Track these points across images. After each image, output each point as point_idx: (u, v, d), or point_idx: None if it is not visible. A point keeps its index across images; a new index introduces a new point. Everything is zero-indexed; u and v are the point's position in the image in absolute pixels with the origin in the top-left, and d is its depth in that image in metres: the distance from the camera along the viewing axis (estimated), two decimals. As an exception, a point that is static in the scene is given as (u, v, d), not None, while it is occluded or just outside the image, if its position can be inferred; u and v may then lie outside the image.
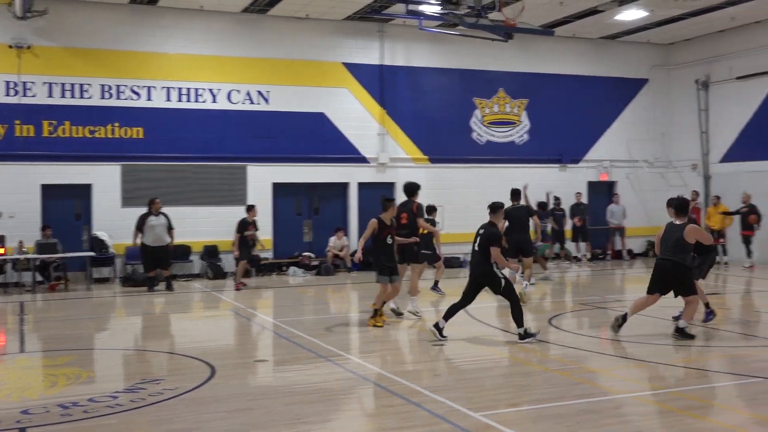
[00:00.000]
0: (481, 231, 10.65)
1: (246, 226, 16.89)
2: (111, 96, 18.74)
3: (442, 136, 21.80)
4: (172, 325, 13.05)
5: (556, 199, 21.78)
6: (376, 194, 20.91)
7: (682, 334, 10.37)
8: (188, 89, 19.38)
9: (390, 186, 21.09)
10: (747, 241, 19.89)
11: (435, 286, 15.30)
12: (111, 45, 18.78)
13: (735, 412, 7.12)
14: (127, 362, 9.95)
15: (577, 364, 9.13)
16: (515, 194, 15.23)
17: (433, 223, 14.54)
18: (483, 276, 10.49)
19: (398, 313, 12.51)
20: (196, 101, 19.47)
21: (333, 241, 20.09)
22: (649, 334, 10.95)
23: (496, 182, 21.91)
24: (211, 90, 19.58)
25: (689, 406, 7.23)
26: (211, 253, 19.21)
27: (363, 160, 20.98)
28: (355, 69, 20.92)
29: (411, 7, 16.27)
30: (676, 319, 10.85)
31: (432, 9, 16.06)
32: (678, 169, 24.18)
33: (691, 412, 7.05)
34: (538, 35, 20.00)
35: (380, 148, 21.08)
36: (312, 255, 20.18)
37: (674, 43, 24.11)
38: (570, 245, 22.49)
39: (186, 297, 16.09)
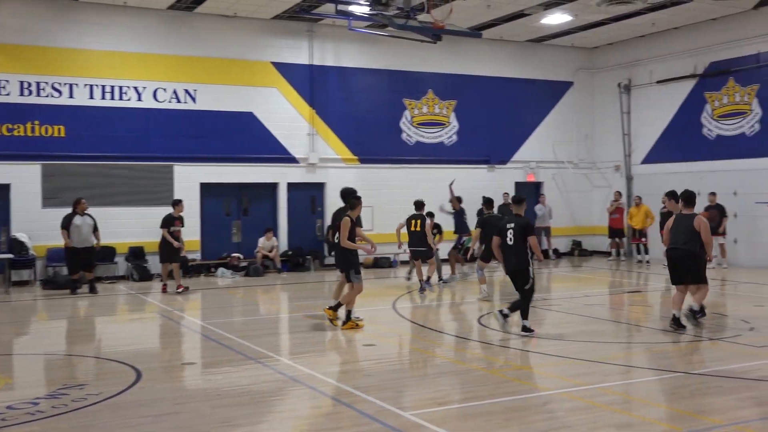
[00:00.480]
0: (512, 224, 10.89)
1: (172, 222, 16.11)
2: (31, 93, 18.14)
3: (372, 137, 21.85)
4: (97, 329, 12.72)
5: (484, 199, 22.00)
6: (306, 195, 20.93)
7: (694, 315, 10.89)
8: (112, 87, 18.91)
9: (320, 186, 21.04)
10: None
11: (427, 282, 15.66)
12: (30, 40, 18.18)
13: (656, 406, 7.33)
14: (48, 367, 9.64)
15: (506, 362, 9.26)
16: (489, 202, 15.06)
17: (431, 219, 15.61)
18: (519, 271, 10.81)
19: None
20: (121, 99, 19.02)
21: (262, 241, 19.92)
22: (576, 332, 11.19)
23: (425, 183, 22.10)
24: (136, 88, 19.16)
25: (613, 401, 7.42)
26: (136, 254, 18.80)
27: (293, 160, 20.85)
28: (284, 69, 20.78)
29: (340, 7, 16.23)
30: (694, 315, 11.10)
31: (361, 9, 16.06)
32: (602, 170, 24.80)
33: (614, 407, 7.23)
34: (467, 37, 20.21)
35: (310, 148, 20.99)
36: (241, 256, 19.96)
37: (598, 47, 24.71)
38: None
39: (111, 300, 15.71)
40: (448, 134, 22.92)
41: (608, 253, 22.88)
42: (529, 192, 24.22)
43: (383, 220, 20.57)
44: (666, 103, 22.75)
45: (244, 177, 20.29)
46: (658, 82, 22.93)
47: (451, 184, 16.49)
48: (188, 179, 19.53)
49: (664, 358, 9.42)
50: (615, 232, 22.55)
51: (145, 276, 18.42)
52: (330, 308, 11.64)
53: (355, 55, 21.69)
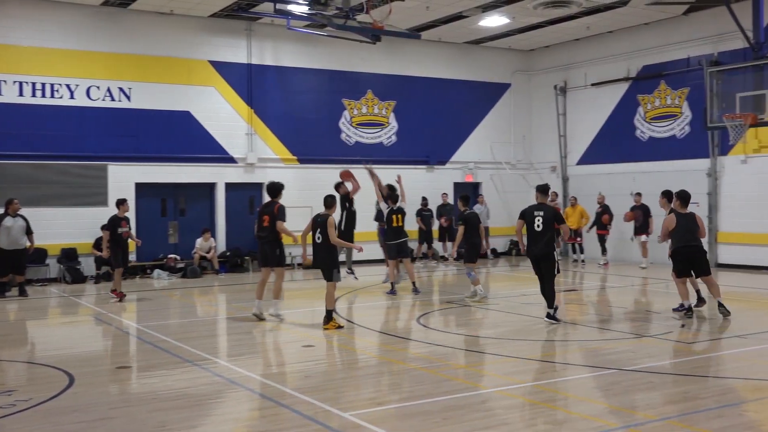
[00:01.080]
0: (541, 212, 11.57)
1: (119, 223, 15.08)
2: (-43, 90, 17.57)
3: (311, 137, 21.76)
4: (28, 333, 12.35)
5: (424, 199, 22.21)
6: (245, 195, 20.73)
7: (723, 308, 11.71)
8: (43, 84, 18.42)
9: (258, 186, 20.83)
10: (602, 240, 20.94)
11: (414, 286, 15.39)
12: (-44, 35, 17.61)
13: (592, 403, 7.46)
14: (-25, 373, 9.33)
15: (444, 361, 9.32)
16: (466, 200, 14.94)
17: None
18: (546, 258, 11.54)
19: (261, 318, 12.23)
20: (53, 97, 18.53)
21: (200, 242, 19.65)
22: (513, 331, 11.32)
23: (365, 183, 22.07)
24: (68, 86, 18.69)
25: (550, 398, 7.53)
26: (69, 256, 18.35)
27: (231, 160, 20.63)
28: (222, 67, 20.54)
29: (279, 6, 16.14)
30: (677, 310, 12.08)
31: (300, 9, 15.99)
32: (538, 170, 25.18)
33: (551, 404, 7.33)
34: (406, 38, 20.32)
35: (248, 148, 20.80)
36: (177, 257, 19.66)
37: (534, 49, 25.09)
38: (437, 245, 22.98)
39: (42, 302, 15.28)
40: (387, 135, 22.98)
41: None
42: (468, 192, 24.43)
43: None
44: (600, 106, 23.24)
45: (180, 177, 19.98)
46: (593, 84, 23.40)
47: (398, 179, 16.31)
48: (123, 179, 19.15)
49: (598, 356, 9.61)
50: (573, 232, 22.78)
51: (78, 278, 17.99)
52: (324, 327, 11.33)
53: (295, 54, 21.58)
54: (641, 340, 10.48)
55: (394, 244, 15.23)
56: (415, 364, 9.13)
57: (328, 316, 11.42)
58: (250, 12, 19.16)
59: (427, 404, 7.22)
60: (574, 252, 21.97)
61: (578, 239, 21.60)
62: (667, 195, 12.75)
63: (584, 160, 23.82)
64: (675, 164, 20.93)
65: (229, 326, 12.15)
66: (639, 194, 20.03)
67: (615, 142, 22.77)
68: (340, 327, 11.41)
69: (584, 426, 6.57)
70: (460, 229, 14.23)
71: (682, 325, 11.36)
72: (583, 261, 21.43)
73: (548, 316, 11.61)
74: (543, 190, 12.09)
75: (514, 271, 20.28)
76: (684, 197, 12.01)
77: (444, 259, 22.83)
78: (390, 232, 15.33)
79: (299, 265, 20.99)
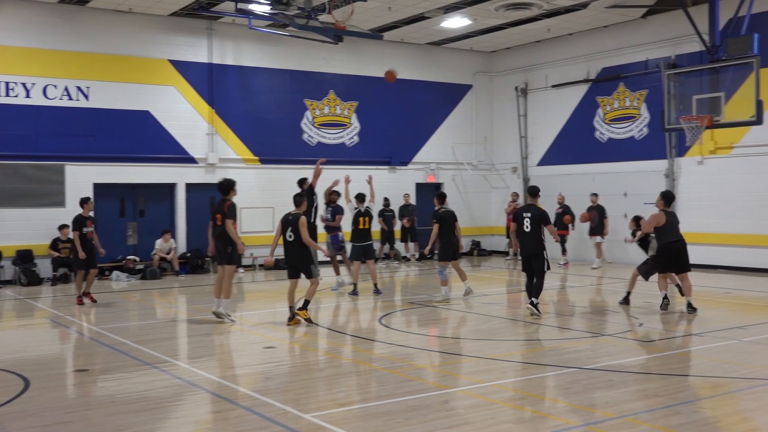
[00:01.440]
0: (529, 213, 12.26)
1: (84, 222, 14.55)
2: None
3: (273, 137, 21.65)
4: (-19, 336, 12.09)
5: (386, 200, 22.22)
6: (205, 195, 20.51)
7: (691, 307, 12.30)
8: (-2, 83, 18.09)
9: (219, 187, 20.66)
10: (562, 240, 21.13)
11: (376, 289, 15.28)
12: None
13: (552, 401, 7.53)
14: (-73, 378, 9.09)
15: (406, 361, 9.33)
16: (441, 197, 14.91)
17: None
18: (536, 256, 12.18)
19: (220, 317, 12.12)
20: (7, 96, 18.17)
21: (159, 243, 19.42)
22: (474, 330, 11.38)
23: (327, 183, 21.99)
24: (24, 84, 18.35)
25: (510, 398, 7.58)
26: (24, 258, 18.00)
27: (191, 160, 20.43)
28: (182, 67, 20.34)
29: (240, 5, 16.01)
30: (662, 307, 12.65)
31: (262, 8, 15.90)
32: (500, 171, 25.35)
33: (512, 403, 7.38)
34: (368, 39, 20.31)
35: (209, 148, 20.62)
36: (137, 258, 19.41)
37: (496, 51, 25.26)
38: (399, 245, 23.01)
39: (-3, 305, 14.98)
40: (349, 135, 22.95)
41: (506, 253, 23.39)
42: (430, 193, 24.51)
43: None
44: (561, 107, 23.47)
45: (140, 177, 19.74)
46: (553, 86, 23.63)
47: (369, 180, 16.19)
48: (80, 179, 18.84)
49: (558, 355, 9.69)
50: None
51: (34, 280, 17.67)
52: (299, 310, 11.73)
53: (256, 54, 21.45)
54: (600, 338, 10.60)
55: (359, 246, 15.19)
56: (378, 365, 9.12)
57: (305, 305, 11.77)
58: (211, 11, 18.99)
59: (389, 404, 7.22)
60: None
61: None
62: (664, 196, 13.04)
63: (545, 161, 24.04)
64: (633, 165, 21.23)
65: (189, 328, 12.02)
66: (595, 195, 20.25)
67: (575, 143, 23.02)
68: (308, 320, 11.70)
69: (545, 425, 6.62)
70: (435, 227, 14.26)
71: (640, 324, 11.52)
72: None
73: (531, 303, 12.23)
74: (532, 192, 12.74)
75: (475, 271, 20.37)
76: (668, 197, 12.79)
77: (406, 259, 22.87)
78: (355, 234, 15.27)
79: (261, 266, 20.87)
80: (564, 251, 21.06)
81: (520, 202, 23.40)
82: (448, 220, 14.32)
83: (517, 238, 12.48)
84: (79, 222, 14.57)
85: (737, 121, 15.90)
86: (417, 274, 19.94)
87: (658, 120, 18.22)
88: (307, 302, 11.84)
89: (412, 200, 23.37)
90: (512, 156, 24.95)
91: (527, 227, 12.25)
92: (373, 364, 9.22)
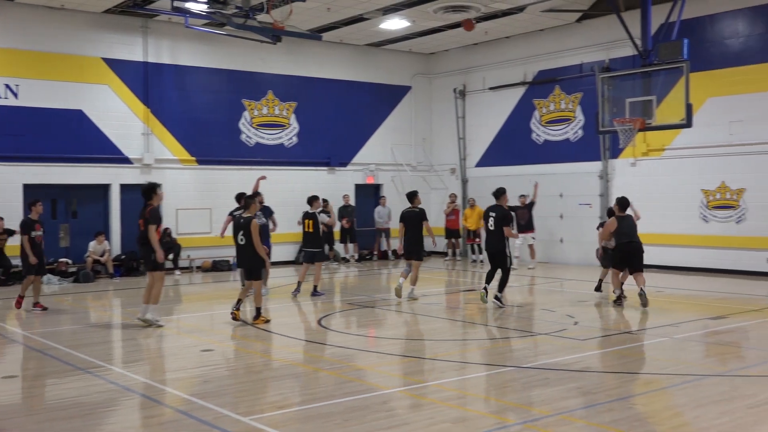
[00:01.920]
0: (494, 213, 13.14)
1: (32, 226, 13.90)
2: None
3: (211, 138, 21.37)
4: None
5: (325, 201, 22.06)
6: (141, 197, 20.06)
7: (644, 296, 12.95)
8: None
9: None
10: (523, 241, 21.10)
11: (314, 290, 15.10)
12: None
13: (490, 400, 7.61)
14: None
15: (346, 362, 9.31)
16: (413, 196, 15.05)
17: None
18: (498, 253, 13.09)
19: (148, 323, 11.82)
20: (-67, 93, 17.57)
21: (93, 245, 18.97)
22: (413, 331, 11.43)
23: (266, 184, 21.79)
24: (-50, 81, 17.76)
25: (449, 397, 7.63)
26: (-50, 261, 17.41)
27: (126, 160, 20.03)
28: (116, 65, 19.92)
29: (176, 3, 15.79)
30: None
31: (199, 7, 15.70)
32: (439, 172, 25.53)
33: (450, 402, 7.43)
34: (307, 39, 20.22)
35: (145, 148, 20.25)
36: (69, 261, 18.93)
37: (434, 53, 25.43)
38: (338, 246, 22.98)
39: None
40: (288, 136, 22.81)
41: (445, 254, 23.57)
42: (369, 194, 24.56)
43: (222, 222, 20.11)
44: (498, 109, 23.76)
45: (72, 178, 19.26)
46: (491, 88, 23.90)
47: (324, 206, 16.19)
48: (9, 180, 18.31)
49: (496, 354, 9.80)
50: (451, 232, 23.28)
51: (-39, 284, 17.09)
52: (254, 320, 11.85)
53: (193, 53, 21.15)
54: (537, 337, 10.76)
55: (306, 252, 15.25)
56: (317, 366, 9.09)
57: (257, 313, 11.89)
58: (147, 9, 18.66)
59: (328, 406, 7.20)
60: (473, 252, 22.37)
61: (477, 240, 22.00)
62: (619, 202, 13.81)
63: (483, 162, 24.30)
64: (569, 167, 21.62)
65: (124, 332, 11.78)
66: (524, 196, 20.49)
67: (512, 145, 23.33)
68: (267, 321, 11.84)
69: (483, 423, 6.68)
70: (400, 227, 14.83)
71: (575, 323, 11.73)
72: (481, 261, 21.83)
73: (496, 297, 13.07)
74: (497, 193, 13.57)
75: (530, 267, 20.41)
76: (622, 203, 13.63)
77: (345, 260, 22.84)
78: (303, 237, 15.29)
79: (198, 267, 20.58)
80: None
81: (459, 203, 23.66)
82: (412, 219, 14.46)
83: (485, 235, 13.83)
84: (27, 225, 13.93)
85: (668, 124, 16.30)
86: (356, 275, 19.93)
87: (593, 122, 18.60)
88: (258, 309, 11.95)
89: (352, 201, 23.36)
90: (451, 157, 25.15)
91: (491, 226, 13.21)
92: (312, 365, 9.18)
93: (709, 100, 18.46)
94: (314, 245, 15.03)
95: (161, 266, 11.98)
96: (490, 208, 13.45)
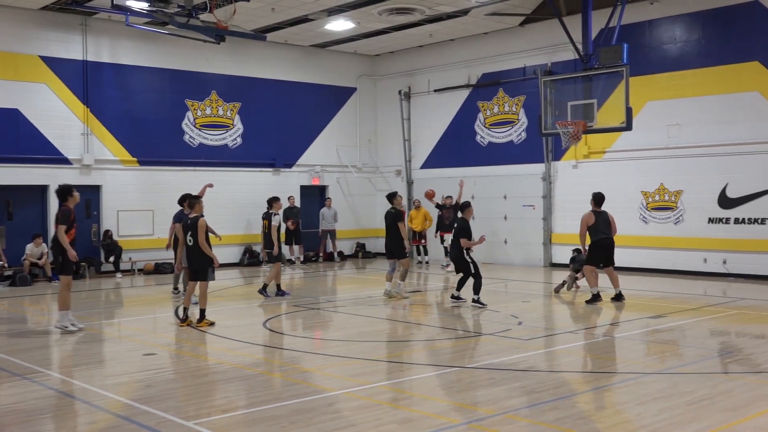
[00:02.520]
0: (455, 225, 13.85)
1: None
2: None
3: (153, 138, 21.02)
4: None
5: (268, 202, 21.77)
6: (81, 198, 19.61)
7: (620, 297, 13.93)
8: None
9: (96, 189, 19.91)
10: (444, 241, 21.38)
11: (264, 289, 14.97)
12: None
13: (436, 401, 7.63)
14: None
15: (291, 365, 9.25)
16: (392, 197, 15.46)
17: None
18: (457, 261, 13.70)
19: (66, 330, 11.49)
20: None
21: (30, 248, 18.47)
22: (359, 332, 11.41)
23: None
24: None
25: (395, 398, 7.63)
26: None
27: (65, 161, 19.57)
28: (54, 63, 19.45)
29: (117, 1, 15.48)
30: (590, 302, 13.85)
31: (140, 5, 15.42)
32: (384, 174, 25.57)
33: (396, 403, 7.43)
34: (251, 39, 20.04)
35: (84, 148, 19.81)
36: (5, 264, 18.40)
37: (380, 54, 25.47)
38: (284, 248, 22.78)
39: None
40: (232, 137, 22.58)
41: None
42: (314, 195, 24.47)
43: (165, 224, 19.82)
44: (443, 111, 23.91)
45: (8, 179, 18.75)
46: (436, 90, 24.05)
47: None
48: (-58, 181, 17.74)
49: (441, 354, 9.85)
50: (417, 235, 22.99)
51: None
52: (198, 323, 11.76)
53: (134, 52, 20.78)
54: (482, 337, 10.85)
55: (266, 251, 15.37)
56: (262, 369, 9.00)
57: (202, 315, 11.78)
58: (85, 6, 18.27)
59: (274, 409, 7.14)
60: (419, 254, 22.44)
61: (422, 241, 22.08)
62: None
63: (428, 163, 24.43)
64: (513, 168, 21.87)
65: (64, 337, 11.49)
66: (449, 197, 20.54)
67: (457, 147, 23.50)
68: (212, 324, 11.74)
69: (429, 424, 6.70)
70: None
71: (519, 323, 11.86)
72: (426, 262, 21.94)
73: (473, 300, 13.42)
74: (463, 207, 14.13)
75: (360, 274, 20.47)
76: (597, 198, 14.22)
77: (290, 262, 22.70)
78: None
79: (140, 270, 20.23)
80: (447, 253, 21.06)
81: (405, 204, 23.66)
82: (388, 220, 15.11)
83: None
84: None
85: (609, 127, 16.61)
86: (302, 277, 19.83)
87: (536, 125, 18.85)
88: (203, 312, 11.86)
89: (297, 203, 23.23)
90: (396, 159, 25.22)
91: (453, 237, 13.87)
92: (258, 368, 9.09)
93: (648, 104, 18.89)
94: (268, 246, 15.23)
95: (68, 269, 11.58)
96: (454, 220, 14.52)
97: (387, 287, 14.81)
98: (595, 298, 13.88)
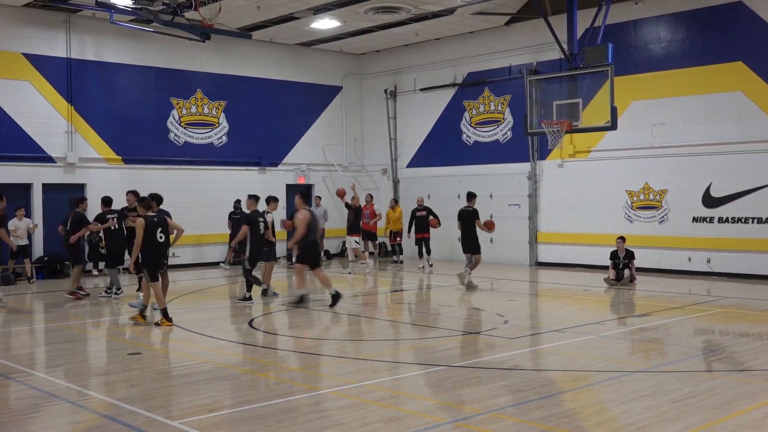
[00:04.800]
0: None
1: None
2: None
3: (138, 136, 20.91)
4: None
5: (237, 202, 21.24)
6: (64, 196, 19.54)
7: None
8: None
9: (80, 187, 19.78)
10: (425, 242, 21.02)
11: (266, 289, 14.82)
12: None
13: (422, 400, 7.63)
14: None
15: (277, 364, 9.23)
16: (471, 196, 16.56)
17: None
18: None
19: None
20: None
21: (14, 223, 18.20)
22: (344, 331, 11.41)
23: (196, 184, 21.60)
24: None
25: (381, 397, 7.63)
26: None
27: (49, 159, 19.44)
28: (38, 61, 19.30)
29: (101, -2, 15.40)
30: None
31: (124, 2, 15.35)
32: (370, 173, 25.56)
33: (383, 402, 7.43)
34: (236, 38, 19.98)
35: (68, 147, 19.69)
36: (-11, 263, 18.25)
37: (365, 53, 25.45)
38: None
39: None
40: (217, 135, 22.50)
41: (378, 253, 23.53)
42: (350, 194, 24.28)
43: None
44: (429, 110, 23.93)
45: (-9, 177, 18.61)
46: (422, 89, 24.06)
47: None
48: None
49: (427, 353, 9.85)
50: (368, 234, 22.80)
51: None
52: (141, 315, 11.95)
53: (119, 50, 20.66)
54: (468, 336, 10.86)
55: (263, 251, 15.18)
56: (248, 368, 8.98)
57: (164, 313, 11.81)
58: (69, 3, 18.14)
59: (260, 408, 7.12)
60: (394, 253, 22.32)
61: (398, 239, 22.01)
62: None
63: (414, 162, 24.44)
64: (498, 168, 21.92)
65: (48, 336, 11.43)
66: (422, 198, 20.51)
67: (443, 146, 23.53)
68: (170, 323, 11.73)
69: (415, 422, 6.71)
70: (459, 224, 16.41)
71: (505, 322, 11.88)
72: (401, 262, 21.87)
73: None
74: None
75: (346, 272, 20.43)
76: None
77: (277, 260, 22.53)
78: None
79: (125, 269, 20.08)
80: (421, 254, 20.78)
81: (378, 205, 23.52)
82: (464, 217, 16.32)
83: None
84: None
85: (594, 127, 16.66)
86: (289, 277, 19.76)
87: (521, 124, 18.89)
88: (163, 310, 11.85)
89: (283, 202, 23.13)
90: (382, 158, 25.21)
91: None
92: (243, 367, 9.07)
93: (633, 104, 18.98)
94: (264, 244, 14.97)
95: (80, 260, 12.05)
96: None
97: (464, 271, 16.24)
98: (302, 299, 13.73)
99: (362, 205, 20.66)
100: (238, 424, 6.72)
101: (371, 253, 22.52)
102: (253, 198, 14.70)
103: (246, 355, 9.90)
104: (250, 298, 14.19)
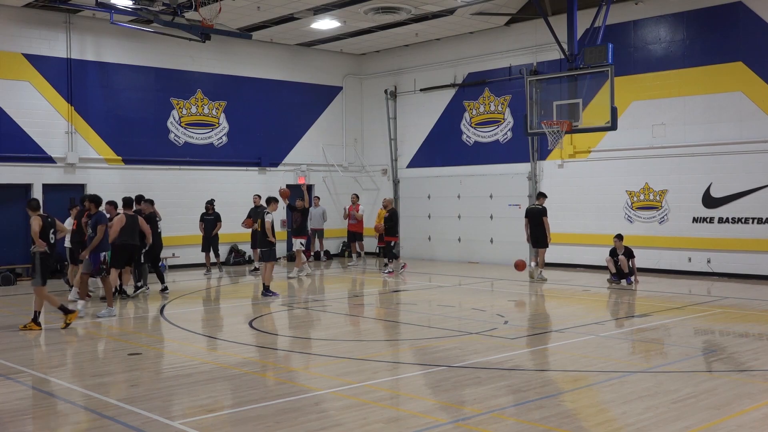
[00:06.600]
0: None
1: None
2: None
3: (138, 137, 20.91)
4: None
5: (209, 202, 20.98)
6: (65, 197, 19.55)
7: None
8: None
9: (80, 188, 19.78)
10: (388, 246, 20.77)
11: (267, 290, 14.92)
12: None
13: (422, 400, 7.63)
14: None
15: (277, 364, 9.22)
16: (540, 195, 17.63)
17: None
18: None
19: None
20: None
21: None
22: (345, 332, 11.40)
23: (196, 184, 21.59)
24: None
25: (381, 397, 7.63)
26: None
27: (49, 159, 19.43)
28: (38, 61, 19.29)
29: (101, -2, 15.39)
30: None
31: (124, 2, 15.34)
32: (370, 173, 25.56)
33: (383, 402, 7.43)
34: (236, 38, 19.97)
35: (68, 147, 19.68)
36: (-11, 264, 18.27)
37: (365, 53, 25.45)
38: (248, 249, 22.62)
39: None
40: (218, 135, 22.49)
41: (348, 256, 23.48)
42: (299, 194, 24.32)
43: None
44: (429, 110, 23.92)
45: (-9, 177, 18.61)
46: (422, 90, 24.05)
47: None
48: None
49: (428, 353, 9.85)
50: (353, 235, 22.71)
51: None
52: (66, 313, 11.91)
53: (119, 50, 20.65)
54: (468, 336, 10.86)
55: (261, 250, 15.30)
56: (248, 369, 8.97)
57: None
58: (70, 4, 18.13)
59: (260, 408, 7.12)
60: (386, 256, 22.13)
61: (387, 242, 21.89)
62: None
63: (414, 163, 24.44)
64: (498, 168, 21.91)
65: (48, 336, 11.42)
66: (301, 200, 19.77)
67: (443, 146, 23.52)
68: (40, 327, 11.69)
69: (415, 423, 6.70)
70: (526, 221, 17.72)
71: (505, 322, 11.88)
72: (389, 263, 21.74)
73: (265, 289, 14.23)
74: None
75: (346, 273, 20.44)
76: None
77: (257, 270, 22.34)
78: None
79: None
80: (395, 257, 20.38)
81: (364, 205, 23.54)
82: (535, 214, 17.52)
83: None
84: None
85: (594, 127, 16.67)
86: (288, 277, 19.76)
87: (521, 124, 18.89)
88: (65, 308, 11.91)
89: (263, 201, 22.95)
90: (382, 158, 25.21)
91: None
92: (243, 368, 9.06)
93: (633, 104, 18.97)
94: (263, 244, 15.14)
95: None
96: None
97: (532, 265, 17.68)
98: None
99: (348, 208, 20.81)
100: (238, 425, 6.71)
101: (358, 254, 22.48)
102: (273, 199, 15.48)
103: (246, 355, 9.90)
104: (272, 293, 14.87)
